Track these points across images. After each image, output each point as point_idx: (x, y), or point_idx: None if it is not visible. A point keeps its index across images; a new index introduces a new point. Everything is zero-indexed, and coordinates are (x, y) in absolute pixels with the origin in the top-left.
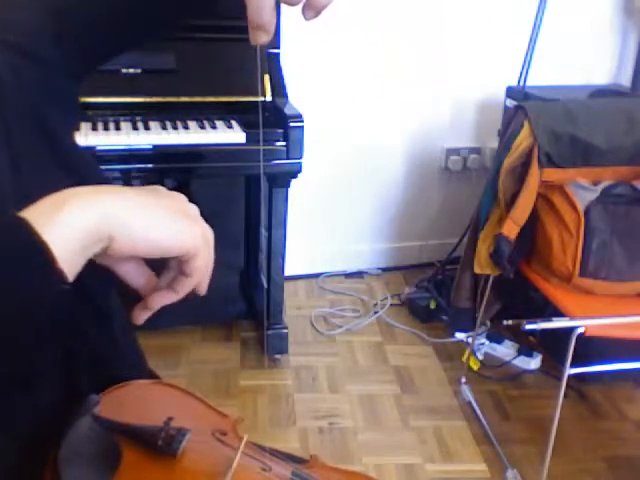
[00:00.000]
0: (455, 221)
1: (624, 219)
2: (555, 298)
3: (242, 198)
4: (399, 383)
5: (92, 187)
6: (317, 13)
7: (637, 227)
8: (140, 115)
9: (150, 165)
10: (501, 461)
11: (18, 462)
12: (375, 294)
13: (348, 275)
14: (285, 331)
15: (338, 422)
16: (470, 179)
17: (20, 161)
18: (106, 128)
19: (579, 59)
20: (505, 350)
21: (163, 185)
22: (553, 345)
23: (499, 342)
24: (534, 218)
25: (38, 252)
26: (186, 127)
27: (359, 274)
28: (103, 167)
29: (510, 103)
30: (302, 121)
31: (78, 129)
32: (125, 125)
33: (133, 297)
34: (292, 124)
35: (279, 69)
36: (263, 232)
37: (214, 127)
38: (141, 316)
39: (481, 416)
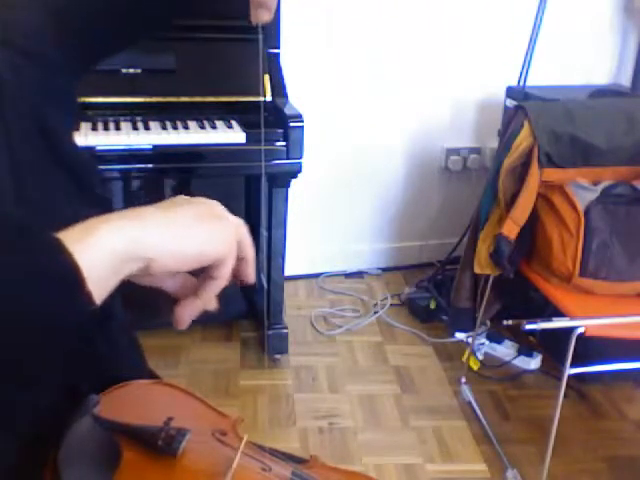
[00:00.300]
0: (455, 221)
1: (624, 219)
2: (555, 298)
3: (242, 198)
4: (399, 383)
5: (122, 212)
6: (271, 13)
7: (637, 227)
8: (140, 115)
9: (150, 165)
10: (501, 461)
11: (18, 462)
12: (375, 294)
13: (348, 275)
14: (285, 331)
15: (338, 422)
16: (470, 179)
17: (20, 161)
18: (106, 128)
19: (579, 59)
20: (505, 350)
21: (163, 185)
22: (553, 345)
23: (499, 342)
24: (534, 218)
25: (69, 272)
26: (186, 127)
27: (359, 274)
28: (103, 167)
29: (510, 103)
30: (302, 121)
31: (78, 129)
32: (125, 125)
33: (133, 297)
34: (292, 124)
35: (279, 69)
36: (263, 232)
37: (214, 127)
38: (181, 325)
39: (481, 416)
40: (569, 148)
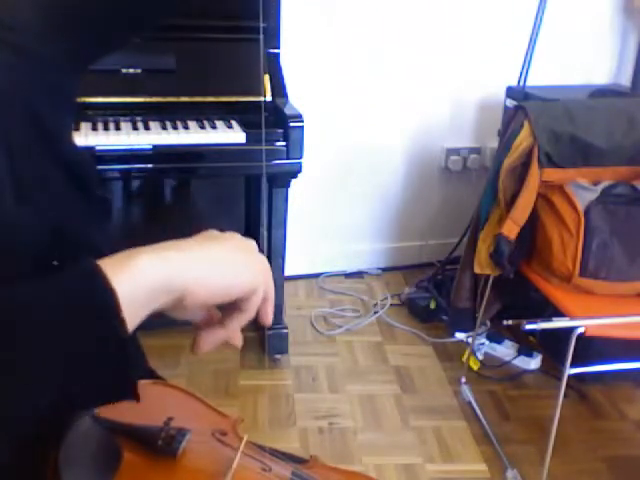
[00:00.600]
0: (455, 221)
1: (624, 219)
2: (555, 298)
3: (242, 198)
4: (399, 383)
5: (162, 244)
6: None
7: (637, 227)
8: (140, 115)
9: (150, 165)
10: (501, 461)
11: (18, 462)
12: (375, 294)
13: (348, 275)
14: (285, 331)
15: (338, 422)
16: (470, 179)
17: (18, 162)
18: (106, 128)
19: (579, 59)
20: (505, 350)
21: (163, 185)
22: (553, 345)
23: (499, 342)
24: (534, 218)
25: (105, 297)
26: (186, 127)
27: (359, 274)
28: (103, 167)
29: (510, 103)
30: (302, 121)
31: (78, 129)
32: (125, 125)
33: None
34: (292, 124)
35: (279, 69)
36: (263, 232)
37: (214, 127)
38: (200, 350)
39: (481, 416)
40: (569, 148)
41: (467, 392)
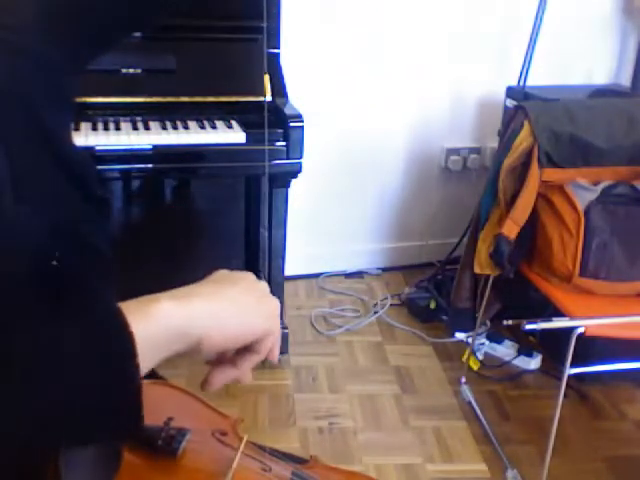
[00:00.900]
0: (455, 221)
1: (624, 219)
2: (555, 298)
3: (242, 198)
4: (399, 383)
5: (182, 289)
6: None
7: (637, 227)
8: (140, 115)
9: (150, 165)
10: (501, 461)
11: (19, 462)
12: (375, 294)
13: (348, 275)
14: (285, 331)
15: (338, 422)
16: (470, 179)
17: (18, 162)
18: (106, 128)
19: (579, 59)
20: (505, 350)
21: (163, 185)
22: (553, 345)
23: (499, 342)
24: (534, 218)
25: (123, 341)
26: (186, 127)
27: (359, 274)
28: (103, 167)
29: (510, 103)
30: (302, 121)
31: (78, 129)
32: (125, 125)
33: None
34: (292, 124)
35: (279, 69)
36: (263, 232)
37: (214, 127)
38: (210, 388)
39: (481, 416)
40: (569, 148)
41: (467, 392)
